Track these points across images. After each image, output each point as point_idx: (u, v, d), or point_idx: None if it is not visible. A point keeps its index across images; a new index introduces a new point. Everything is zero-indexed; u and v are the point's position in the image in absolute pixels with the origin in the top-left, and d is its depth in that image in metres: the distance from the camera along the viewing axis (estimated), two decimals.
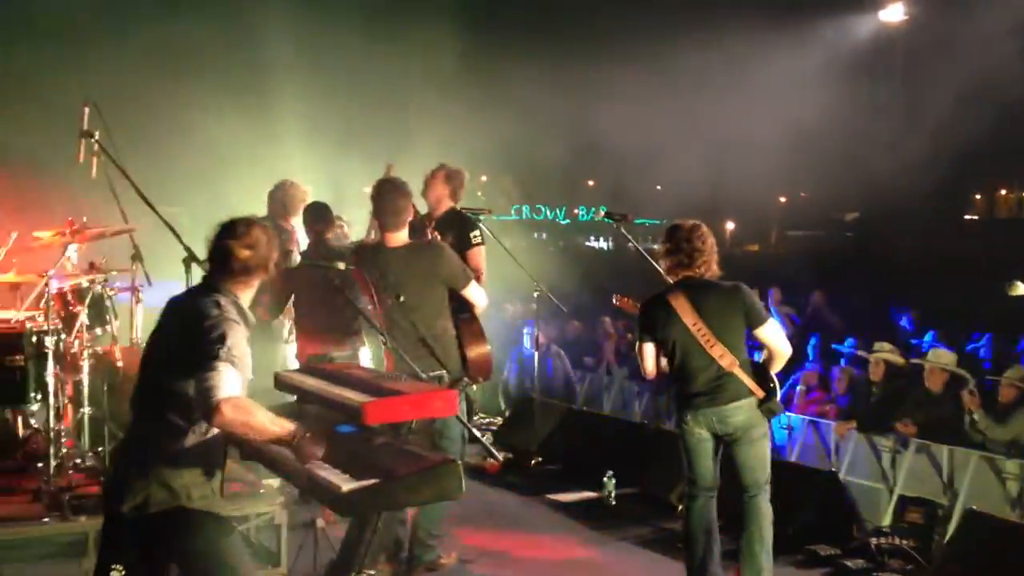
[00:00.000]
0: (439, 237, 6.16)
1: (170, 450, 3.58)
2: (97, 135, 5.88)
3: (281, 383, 4.77)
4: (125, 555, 3.66)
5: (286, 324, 7.09)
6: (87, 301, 6.49)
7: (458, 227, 6.43)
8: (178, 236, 5.11)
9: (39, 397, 6.31)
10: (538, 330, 9.79)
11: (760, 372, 5.25)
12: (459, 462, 3.70)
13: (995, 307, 10.98)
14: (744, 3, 19.24)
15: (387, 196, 5.53)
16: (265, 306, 6.62)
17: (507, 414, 9.66)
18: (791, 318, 12.17)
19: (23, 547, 5.32)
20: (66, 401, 6.66)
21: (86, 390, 6.38)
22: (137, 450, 3.69)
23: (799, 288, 14.20)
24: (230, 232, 3.71)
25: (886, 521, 7.24)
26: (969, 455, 7.57)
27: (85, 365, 6.37)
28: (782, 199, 32.08)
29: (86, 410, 6.43)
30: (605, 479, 7.44)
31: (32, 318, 6.50)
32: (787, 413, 8.89)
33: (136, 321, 7.03)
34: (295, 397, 4.58)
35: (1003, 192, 33.48)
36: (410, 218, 5.67)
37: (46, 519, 5.42)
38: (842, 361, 9.87)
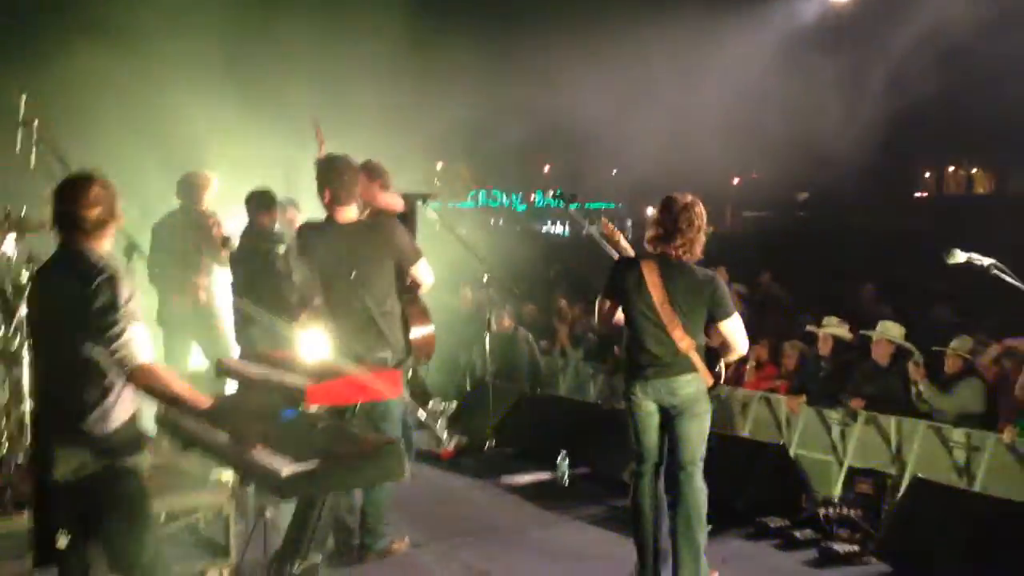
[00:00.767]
0: None
1: (92, 416, 3.67)
2: (36, 124, 5.79)
3: (224, 370, 4.72)
4: (60, 521, 3.72)
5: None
6: (26, 294, 6.37)
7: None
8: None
9: None
10: (502, 314, 9.83)
11: (711, 357, 5.27)
12: (400, 443, 3.68)
13: (945, 280, 11.12)
14: None
15: (337, 170, 5.48)
16: (206, 288, 6.57)
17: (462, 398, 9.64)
18: (740, 296, 12.22)
19: None
20: (7, 397, 6.54)
21: (26, 386, 6.26)
22: (57, 419, 3.75)
23: (752, 266, 14.31)
24: (72, 197, 3.77)
25: (836, 492, 7.33)
26: (916, 425, 7.68)
27: (24, 360, 6.25)
28: (735, 180, 32.33)
29: (26, 406, 6.31)
30: (558, 460, 7.46)
31: None
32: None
33: None
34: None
35: (952, 169, 33.93)
36: (357, 193, 5.61)
37: None
38: None
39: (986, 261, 4.51)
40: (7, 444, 6.22)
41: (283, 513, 5.00)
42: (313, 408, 4.08)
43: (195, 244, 7.43)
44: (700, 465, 5.20)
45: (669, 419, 5.23)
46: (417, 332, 5.61)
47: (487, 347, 8.42)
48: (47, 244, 6.86)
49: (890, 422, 7.82)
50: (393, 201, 6.08)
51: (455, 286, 10.91)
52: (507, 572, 5.76)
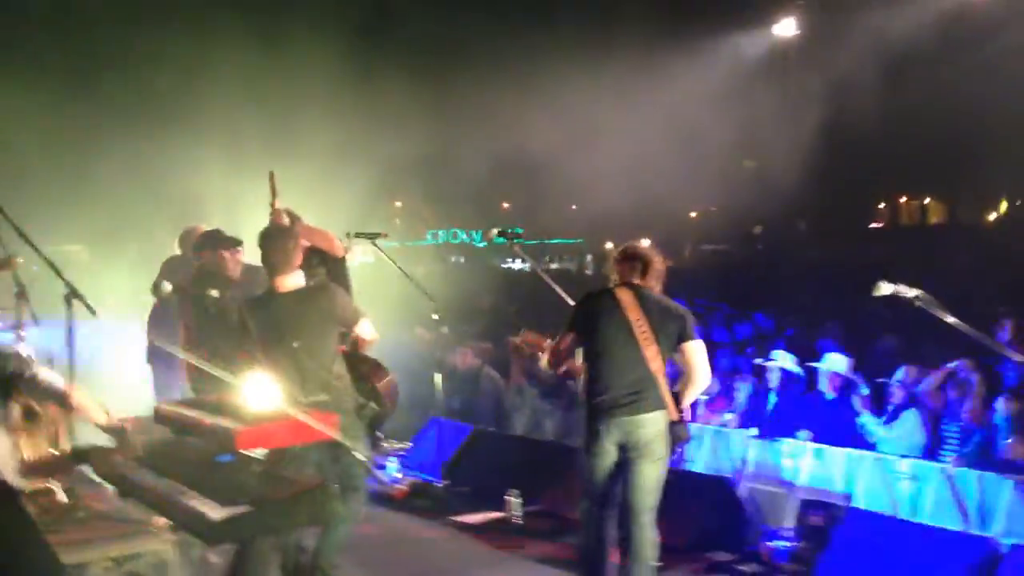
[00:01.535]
0: None
1: None
2: None
3: (160, 416, 4.72)
4: None
5: None
6: None
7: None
8: (58, 271, 5.05)
9: None
10: (466, 351, 9.88)
11: (674, 398, 5.32)
12: (332, 486, 3.71)
13: (896, 311, 11.27)
14: (647, 22, 19.57)
15: (274, 241, 5.51)
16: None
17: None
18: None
19: None
20: None
21: None
22: None
23: (712, 300, 14.49)
24: None
25: (788, 525, 7.39)
26: (864, 456, 7.79)
27: None
28: (693, 214, 32.67)
29: None
30: (510, 498, 7.47)
31: None
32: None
33: None
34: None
35: (905, 200, 34.51)
36: (299, 260, 5.64)
37: None
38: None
39: (911, 293, 4.62)
40: None
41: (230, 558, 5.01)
42: (254, 453, 4.12)
43: None
44: (653, 514, 5.23)
45: (627, 461, 5.24)
46: (381, 382, 5.66)
47: (439, 385, 8.44)
48: None
49: (838, 454, 7.94)
50: (332, 244, 6.12)
51: (410, 325, 10.95)
52: None
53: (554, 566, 6.45)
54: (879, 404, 8.32)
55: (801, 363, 9.00)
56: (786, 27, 18.03)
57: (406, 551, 6.92)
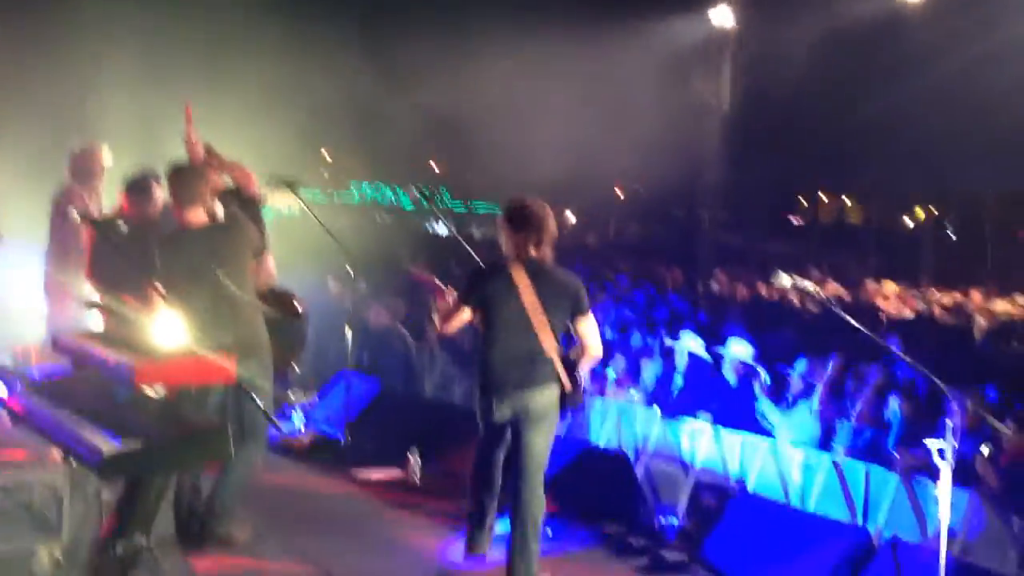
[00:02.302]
0: None
1: None
2: None
3: (60, 347, 4.65)
4: None
5: None
6: None
7: None
8: None
9: None
10: (381, 309, 9.84)
11: (569, 366, 5.35)
12: (227, 428, 3.70)
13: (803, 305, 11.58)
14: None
15: (183, 177, 5.54)
16: None
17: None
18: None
19: None
20: None
21: None
22: None
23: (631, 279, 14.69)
24: None
25: (682, 504, 7.57)
26: (759, 442, 8.00)
27: None
28: (619, 193, 32.92)
29: None
30: (411, 456, 7.52)
31: None
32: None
33: None
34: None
35: (824, 198, 35.24)
36: (208, 197, 5.62)
37: None
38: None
39: (809, 285, 4.76)
40: None
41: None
42: (153, 390, 4.07)
43: None
44: (542, 477, 5.31)
45: (519, 430, 5.31)
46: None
47: (348, 340, 8.41)
48: None
49: (736, 438, 8.15)
50: (250, 181, 6.07)
51: (323, 277, 10.89)
52: (341, 563, 5.79)
53: (448, 525, 6.51)
54: (779, 392, 8.54)
55: (709, 347, 9.19)
56: (722, 14, 18.17)
57: (302, 503, 6.92)
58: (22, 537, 5.36)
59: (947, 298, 14.21)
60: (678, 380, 9.14)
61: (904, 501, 6.96)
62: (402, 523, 6.63)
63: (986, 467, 6.61)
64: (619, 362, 9.61)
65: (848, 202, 34.50)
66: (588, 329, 5.37)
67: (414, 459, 7.51)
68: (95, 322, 6.47)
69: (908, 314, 12.49)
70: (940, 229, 29.33)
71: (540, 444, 5.29)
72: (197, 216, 5.48)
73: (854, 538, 5.66)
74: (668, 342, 9.45)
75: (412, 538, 6.36)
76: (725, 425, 8.25)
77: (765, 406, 8.17)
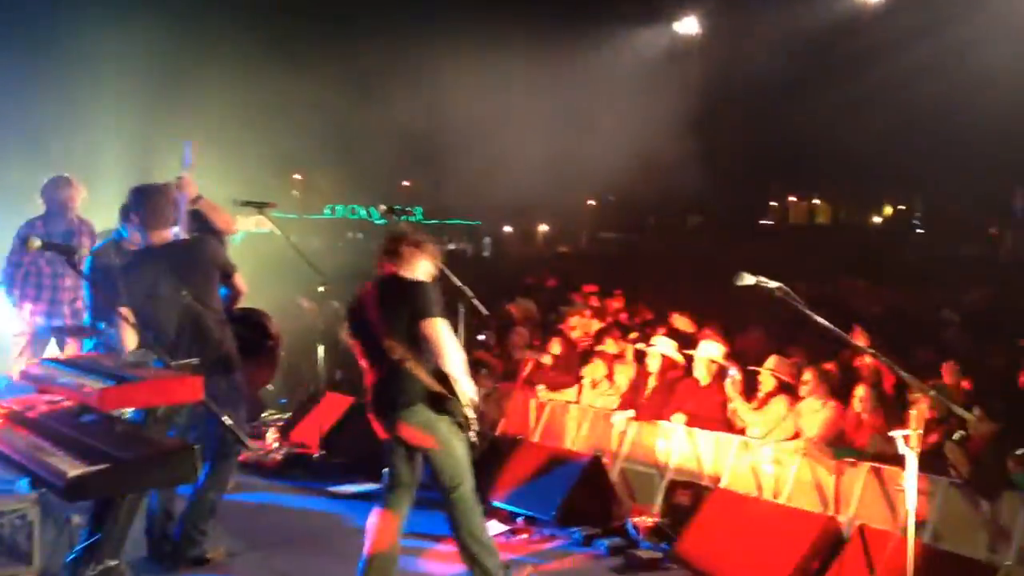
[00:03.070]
0: None
1: None
2: None
3: (27, 376, 4.66)
4: None
5: None
6: None
7: None
8: None
9: None
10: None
11: (440, 373, 5.17)
12: (196, 448, 3.71)
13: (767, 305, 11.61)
14: (554, 13, 19.75)
15: (150, 198, 5.59)
16: None
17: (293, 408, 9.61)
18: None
19: None
20: None
21: None
22: None
23: (613, 286, 14.72)
24: None
25: (658, 503, 7.62)
26: (731, 441, 8.08)
27: None
28: (592, 202, 33.07)
29: None
30: (384, 471, 7.52)
31: None
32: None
33: None
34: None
35: (794, 200, 35.60)
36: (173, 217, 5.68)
37: None
38: None
39: (773, 284, 4.82)
40: None
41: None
42: (124, 412, 4.09)
43: None
44: (464, 487, 5.22)
45: (417, 451, 5.27)
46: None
47: (321, 358, 8.43)
48: None
49: (708, 437, 8.22)
50: (228, 225, 6.18)
51: (295, 296, 10.90)
52: None
53: (422, 538, 6.53)
54: (751, 391, 8.61)
55: (681, 349, 9.25)
56: (688, 25, 18.36)
57: (278, 521, 6.93)
58: None
59: None
60: (651, 383, 9.19)
61: (873, 490, 7.05)
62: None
63: (956, 454, 6.70)
64: (598, 367, 9.65)
65: (817, 202, 34.84)
66: (431, 331, 5.09)
67: (388, 473, 7.51)
68: (55, 348, 6.50)
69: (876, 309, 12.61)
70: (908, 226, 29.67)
71: (441, 461, 5.18)
72: (162, 238, 5.53)
73: (824, 527, 5.73)
74: (640, 346, 9.50)
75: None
76: (698, 425, 8.31)
77: (738, 404, 8.23)
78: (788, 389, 8.31)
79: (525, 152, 19.19)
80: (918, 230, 29.50)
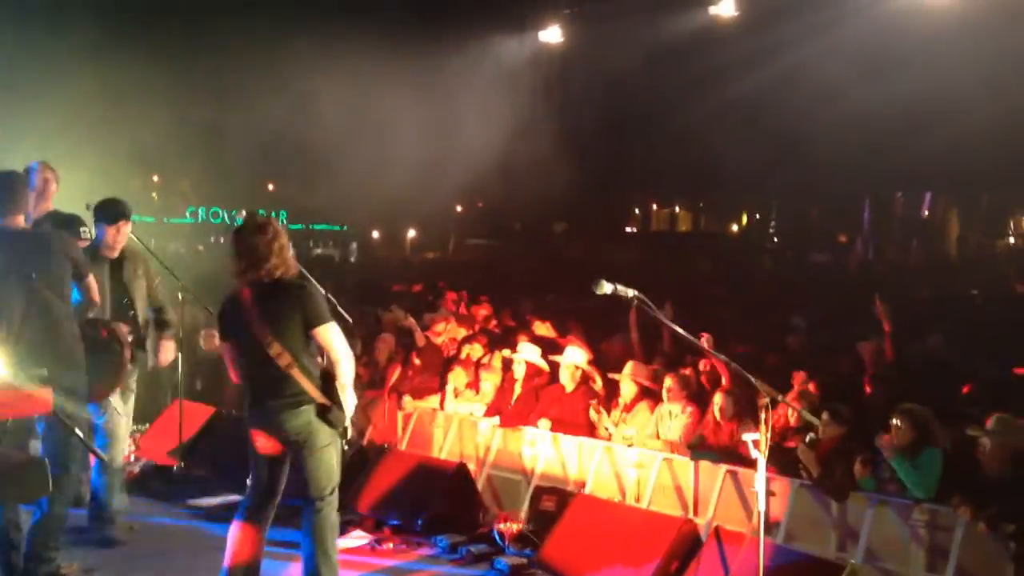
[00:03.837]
0: None
1: None
2: None
3: None
4: None
5: None
6: None
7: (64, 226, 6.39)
8: None
9: None
10: (212, 333, 9.60)
11: (326, 380, 5.14)
12: (46, 463, 3.60)
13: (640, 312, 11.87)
14: (421, 18, 19.75)
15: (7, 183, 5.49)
16: None
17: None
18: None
19: None
20: None
21: None
22: None
23: (479, 293, 14.78)
24: None
25: (523, 510, 7.70)
26: (596, 446, 8.23)
27: None
28: (459, 208, 33.17)
29: None
30: (248, 482, 7.39)
31: None
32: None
33: None
34: None
35: (655, 207, 36.51)
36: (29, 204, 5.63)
37: None
38: None
39: (630, 292, 4.94)
40: None
41: None
42: None
43: None
44: (331, 498, 5.18)
45: (293, 453, 5.17)
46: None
47: (180, 367, 8.22)
48: None
49: (574, 443, 8.36)
50: None
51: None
52: None
53: (283, 548, 6.44)
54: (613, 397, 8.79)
55: (546, 356, 9.37)
56: (552, 34, 18.58)
57: (136, 534, 6.71)
58: None
59: None
60: (517, 389, 9.29)
61: (732, 492, 7.30)
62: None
63: (807, 457, 6.98)
64: (460, 375, 9.68)
65: (678, 210, 35.80)
66: (326, 338, 5.09)
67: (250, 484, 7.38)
68: None
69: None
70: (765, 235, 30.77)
71: (315, 468, 5.12)
72: (16, 223, 5.40)
73: (680, 530, 5.89)
74: (506, 353, 9.58)
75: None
76: (563, 431, 8.44)
77: (600, 410, 8.39)
78: (650, 394, 8.53)
79: (392, 157, 19.12)
80: (774, 238, 30.61)
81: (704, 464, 7.55)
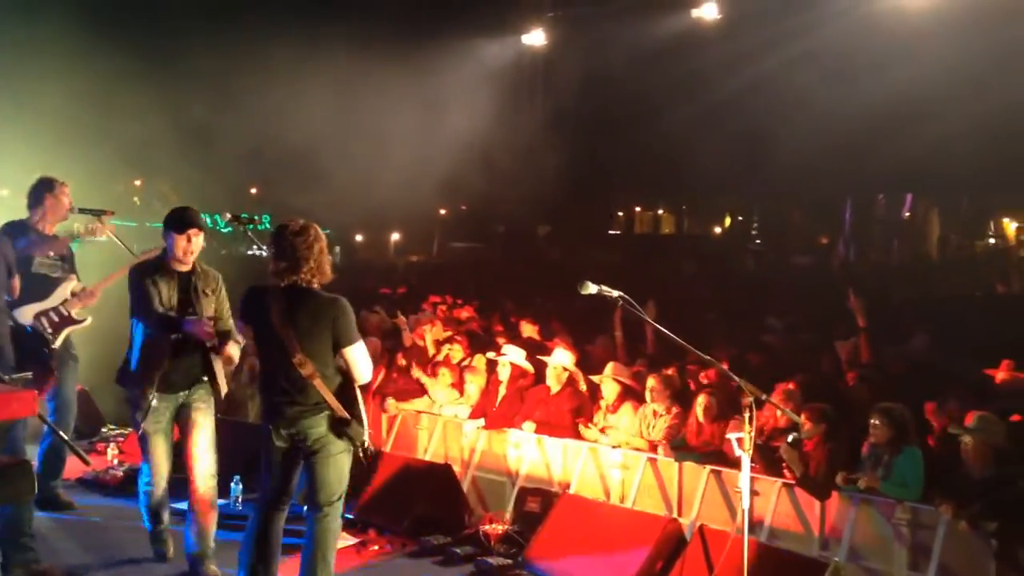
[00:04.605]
0: None
1: None
2: None
3: None
4: None
5: None
6: None
7: None
8: None
9: None
10: None
11: (346, 393, 5.14)
12: (30, 463, 3.59)
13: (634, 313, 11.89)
14: (405, 21, 19.72)
15: None
16: None
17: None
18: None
19: None
20: None
21: None
22: None
23: (464, 295, 14.80)
24: None
25: (508, 511, 7.71)
26: (580, 447, 8.26)
27: None
28: (443, 211, 33.14)
29: None
30: (233, 484, 7.39)
31: None
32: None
33: None
34: None
35: (639, 210, 36.59)
36: None
37: None
38: None
39: (615, 293, 4.98)
40: None
41: None
42: None
43: None
44: (337, 505, 5.18)
45: (305, 457, 5.16)
46: None
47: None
48: None
49: (558, 445, 8.39)
50: None
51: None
52: None
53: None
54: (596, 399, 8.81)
55: (530, 358, 9.39)
56: (536, 37, 18.62)
57: (117, 537, 6.69)
58: None
59: None
60: (502, 391, 9.31)
61: (715, 492, 7.34)
62: (221, 550, 6.49)
63: (790, 456, 7.03)
64: (444, 377, 9.70)
65: (661, 212, 35.90)
66: (351, 359, 5.11)
67: (235, 486, 7.38)
68: None
69: None
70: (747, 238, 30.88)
71: (327, 475, 5.11)
72: None
73: (665, 529, 5.92)
74: (491, 355, 9.60)
75: (227, 564, 6.25)
76: (548, 432, 8.46)
77: (589, 425, 8.43)
78: (632, 394, 8.57)
79: (376, 161, 19.09)
80: (756, 240, 30.72)
81: (688, 464, 7.60)
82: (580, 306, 13.05)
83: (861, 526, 6.78)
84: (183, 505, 6.16)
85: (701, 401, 7.86)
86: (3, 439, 4.91)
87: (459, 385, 9.67)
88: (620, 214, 35.37)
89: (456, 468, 7.98)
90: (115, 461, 8.24)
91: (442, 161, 19.54)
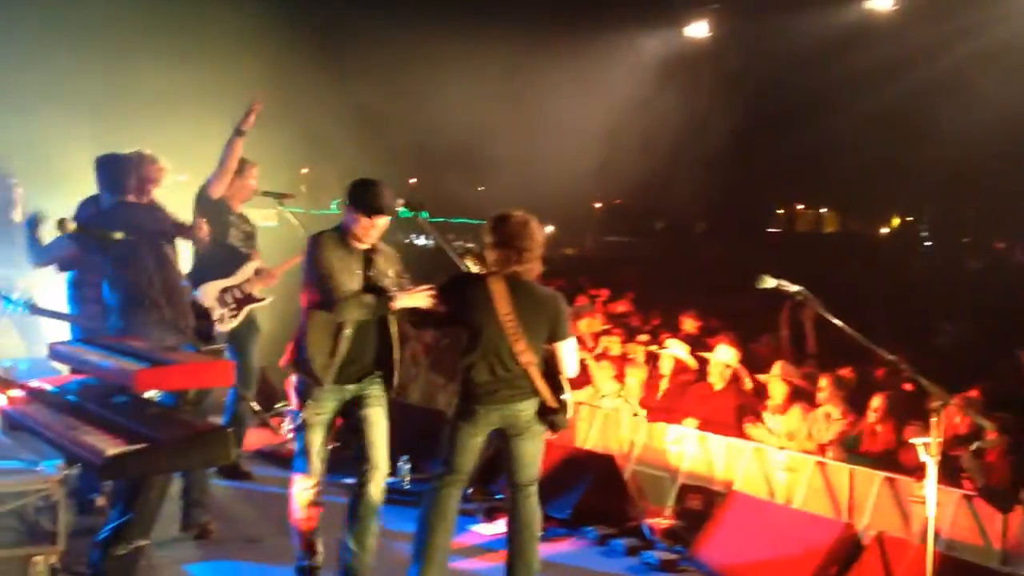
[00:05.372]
0: None
1: None
2: None
3: (57, 354, 4.69)
4: None
5: None
6: None
7: None
8: None
9: None
10: None
11: (555, 382, 5.26)
12: (231, 430, 3.75)
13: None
14: (566, 17, 19.76)
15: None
16: None
17: None
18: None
19: None
20: None
21: None
22: None
23: (617, 289, 14.77)
24: None
25: (669, 507, 7.64)
26: (744, 446, 8.10)
27: None
28: (598, 205, 33.08)
29: None
30: (400, 463, 7.56)
31: None
32: None
33: None
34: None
35: (801, 207, 35.66)
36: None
37: None
38: None
39: (793, 288, 4.84)
40: None
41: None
42: (151, 393, 4.13)
43: None
44: (536, 485, 5.30)
45: (506, 439, 5.26)
46: None
47: None
48: None
49: (721, 442, 8.25)
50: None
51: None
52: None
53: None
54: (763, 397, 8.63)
55: (693, 353, 9.28)
56: (698, 29, 18.32)
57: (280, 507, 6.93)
58: (18, 545, 5.36)
59: None
60: (663, 385, 9.23)
61: (887, 499, 7.07)
62: (389, 522, 6.63)
63: (973, 465, 6.72)
64: (607, 368, 9.68)
65: (824, 211, 34.88)
66: (564, 353, 5.28)
67: (403, 466, 7.55)
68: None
69: None
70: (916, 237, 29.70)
71: (531, 454, 5.25)
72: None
73: (842, 534, 5.75)
74: (653, 348, 9.52)
75: (399, 537, 6.37)
76: (710, 429, 8.34)
77: (757, 425, 8.27)
78: (802, 395, 8.35)
79: (534, 153, 19.20)
80: (926, 242, 29.50)
81: (860, 469, 7.34)
82: (741, 304, 12.82)
83: None
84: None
85: (875, 403, 7.59)
86: (198, 408, 5.13)
87: (619, 378, 9.63)
88: (780, 212, 34.56)
89: None
90: (289, 435, 8.52)
91: (599, 155, 19.50)
